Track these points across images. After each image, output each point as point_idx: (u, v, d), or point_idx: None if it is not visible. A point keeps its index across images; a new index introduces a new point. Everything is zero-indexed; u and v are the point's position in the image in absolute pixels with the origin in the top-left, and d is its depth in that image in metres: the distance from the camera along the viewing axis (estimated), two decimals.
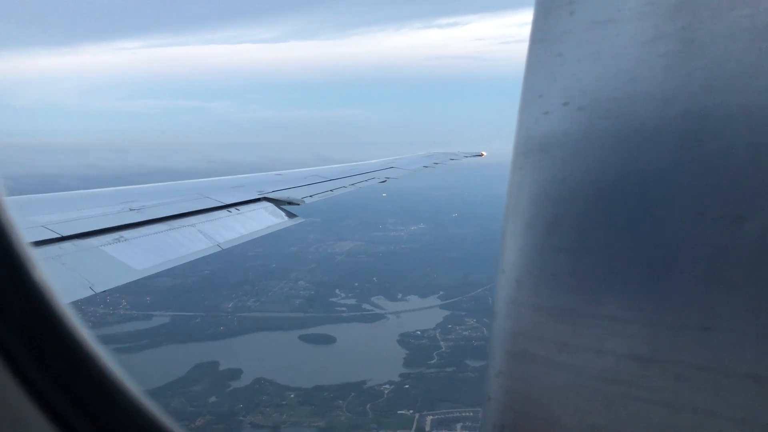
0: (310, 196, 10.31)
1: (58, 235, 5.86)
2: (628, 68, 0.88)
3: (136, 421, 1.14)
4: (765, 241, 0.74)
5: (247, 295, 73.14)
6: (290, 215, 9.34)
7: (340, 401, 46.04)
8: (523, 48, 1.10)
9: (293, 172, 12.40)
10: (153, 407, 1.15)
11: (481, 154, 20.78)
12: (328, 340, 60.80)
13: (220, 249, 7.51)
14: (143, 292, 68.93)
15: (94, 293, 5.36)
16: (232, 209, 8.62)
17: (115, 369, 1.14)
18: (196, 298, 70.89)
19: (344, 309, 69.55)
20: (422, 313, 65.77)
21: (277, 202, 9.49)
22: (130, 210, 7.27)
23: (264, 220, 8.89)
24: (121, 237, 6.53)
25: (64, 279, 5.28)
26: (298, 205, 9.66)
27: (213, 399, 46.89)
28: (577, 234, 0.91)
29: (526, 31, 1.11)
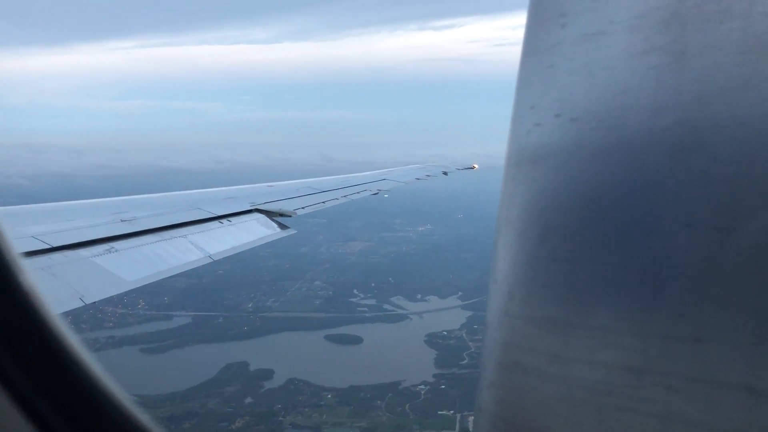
0: (302, 207, 10.30)
1: (49, 246, 5.80)
2: (620, 80, 0.88)
3: (122, 426, 1.13)
4: (755, 251, 0.74)
5: (266, 295, 72.89)
6: (282, 227, 9.30)
7: (378, 401, 45.94)
8: (516, 50, 1.11)
9: (285, 184, 12.39)
10: (139, 412, 1.15)
11: (473, 167, 20.68)
12: (355, 340, 60.71)
13: (212, 260, 7.47)
14: (160, 293, 68.43)
15: (84, 304, 5.29)
16: (224, 220, 8.54)
17: (101, 375, 1.14)
18: (214, 298, 70.49)
19: (366, 309, 69.56)
20: (445, 314, 65.88)
21: (270, 214, 9.45)
22: (122, 221, 7.20)
23: (256, 231, 8.82)
24: (112, 248, 6.46)
25: (54, 290, 5.21)
26: (290, 216, 9.64)
27: (249, 400, 46.57)
28: (569, 245, 0.91)
29: (519, 34, 1.11)
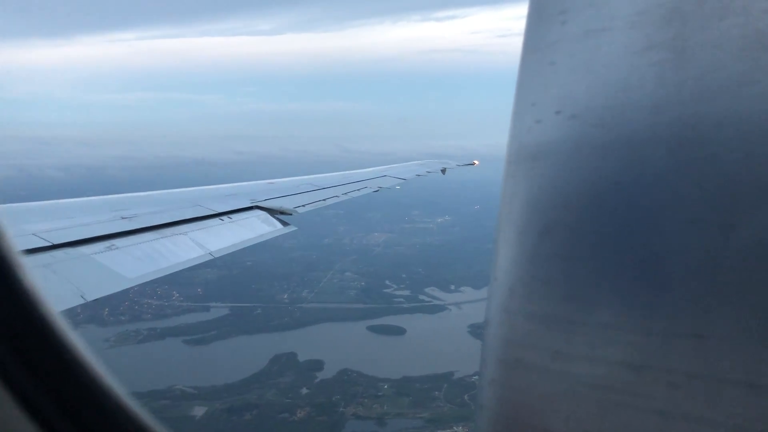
0: (303, 205, 10.27)
1: (49, 244, 5.78)
2: (620, 77, 0.88)
3: (124, 425, 1.13)
4: (757, 248, 0.74)
5: (299, 286, 72.80)
6: (284, 223, 9.26)
7: (436, 392, 45.81)
8: (519, 41, 1.11)
9: (286, 181, 12.34)
10: (140, 411, 1.15)
11: (474, 163, 20.61)
12: (398, 331, 60.67)
13: (212, 257, 7.44)
14: (192, 284, 68.14)
15: (84, 301, 5.27)
16: (225, 218, 8.52)
17: (103, 374, 1.14)
18: (247, 289, 70.25)
19: (402, 300, 69.55)
20: (482, 305, 64.94)
21: (270, 211, 9.40)
22: (122, 218, 7.17)
23: (257, 228, 8.78)
24: (113, 245, 6.44)
25: (55, 287, 5.20)
26: (290, 214, 9.59)
27: (305, 391, 46.36)
28: (570, 242, 0.91)
29: (523, 25, 1.10)
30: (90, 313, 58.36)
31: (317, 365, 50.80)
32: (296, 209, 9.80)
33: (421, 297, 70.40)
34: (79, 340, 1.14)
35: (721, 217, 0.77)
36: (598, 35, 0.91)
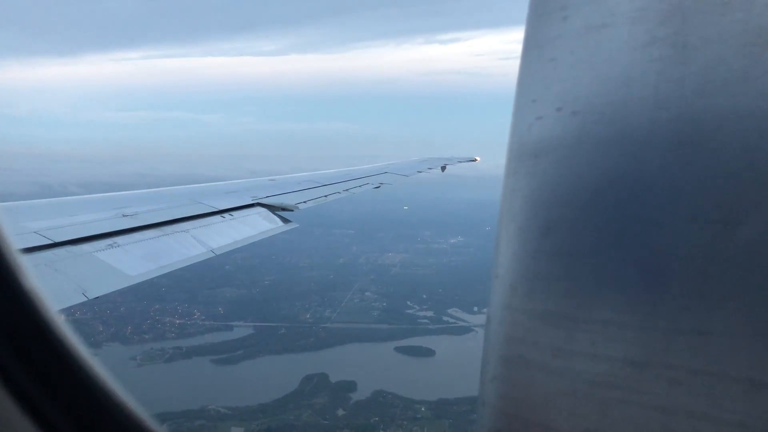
0: (304, 201, 10.24)
1: (51, 242, 5.79)
2: (621, 73, 0.88)
3: (124, 425, 1.13)
4: (758, 244, 0.74)
5: (320, 306, 72.19)
6: (285, 221, 9.25)
7: (475, 415, 44.83)
8: None
9: (287, 178, 12.29)
10: (141, 413, 1.15)
11: (475, 160, 20.70)
12: (427, 352, 59.94)
13: (214, 254, 7.47)
14: (213, 303, 67.37)
15: (87, 299, 5.29)
16: (226, 215, 8.53)
17: (103, 376, 1.14)
18: (268, 309, 69.46)
19: (427, 321, 68.84)
20: None
21: (272, 208, 9.40)
22: (123, 216, 7.20)
23: (258, 225, 8.79)
24: (114, 243, 6.47)
25: (57, 285, 5.20)
26: (292, 211, 9.57)
27: (341, 412, 45.49)
28: (571, 238, 0.91)
29: None
30: (113, 330, 57.56)
31: (350, 386, 49.99)
32: (298, 205, 9.73)
33: (445, 318, 69.73)
34: (78, 341, 1.12)
35: (723, 213, 0.76)
36: (599, 31, 0.91)
